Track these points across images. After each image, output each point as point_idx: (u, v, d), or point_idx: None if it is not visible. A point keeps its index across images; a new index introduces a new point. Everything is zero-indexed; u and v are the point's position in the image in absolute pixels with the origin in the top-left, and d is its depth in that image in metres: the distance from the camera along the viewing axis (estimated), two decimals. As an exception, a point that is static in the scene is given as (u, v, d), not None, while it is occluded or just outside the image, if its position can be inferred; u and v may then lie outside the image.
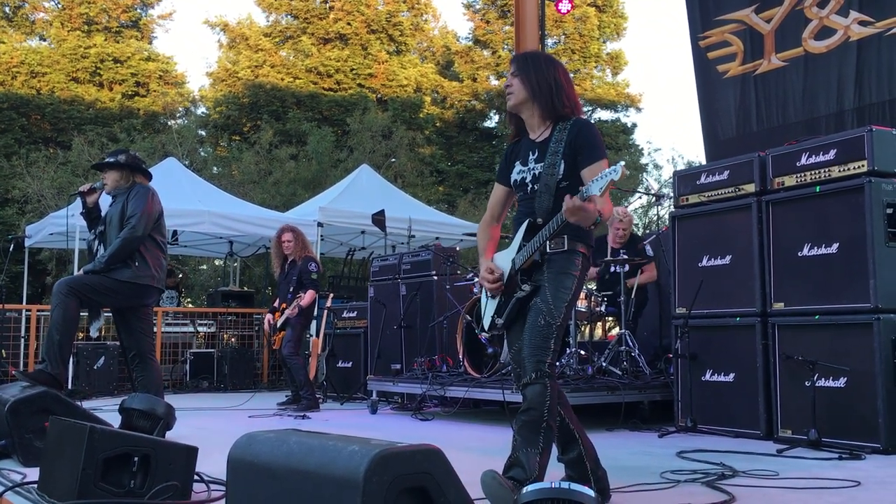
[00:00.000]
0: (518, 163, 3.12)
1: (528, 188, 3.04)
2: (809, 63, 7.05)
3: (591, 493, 2.01)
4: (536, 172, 3.01)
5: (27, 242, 11.56)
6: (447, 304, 7.29)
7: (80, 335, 9.54)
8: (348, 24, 26.53)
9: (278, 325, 7.48)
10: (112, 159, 5.15)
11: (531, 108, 3.05)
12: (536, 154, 3.05)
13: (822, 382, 4.56)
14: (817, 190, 4.76)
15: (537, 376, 2.78)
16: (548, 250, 2.90)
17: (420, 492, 1.86)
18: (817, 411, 4.47)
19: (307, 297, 7.34)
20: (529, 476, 2.63)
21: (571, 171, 2.94)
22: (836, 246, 4.64)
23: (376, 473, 1.75)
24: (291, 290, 7.42)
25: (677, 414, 5.40)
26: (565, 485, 1.99)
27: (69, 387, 8.85)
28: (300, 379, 7.29)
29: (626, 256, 6.40)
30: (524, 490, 2.02)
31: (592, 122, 3.24)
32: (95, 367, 9.08)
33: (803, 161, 4.90)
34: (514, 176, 3.11)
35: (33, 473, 3.35)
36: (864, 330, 4.42)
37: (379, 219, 8.80)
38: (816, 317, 4.67)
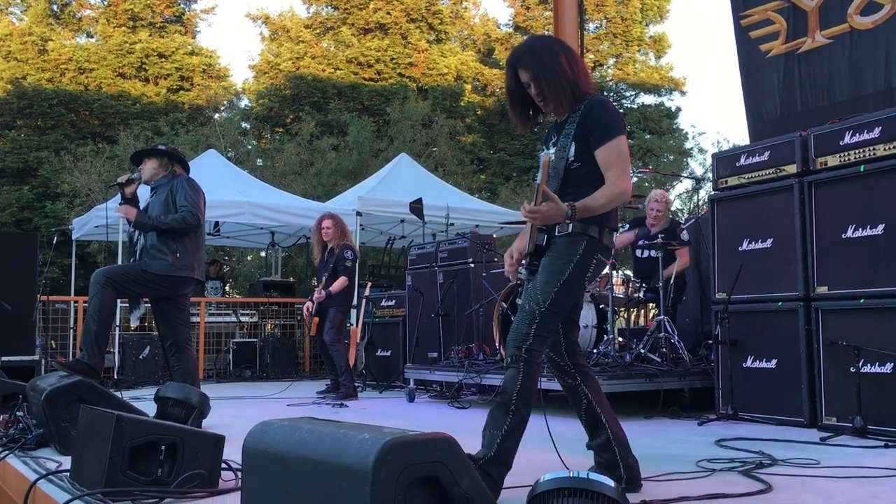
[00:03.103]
0: (550, 144, 3.13)
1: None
2: (855, 39, 6.79)
3: (611, 482, 1.94)
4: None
5: (74, 235, 11.79)
6: (484, 292, 7.24)
7: (132, 327, 9.74)
8: (388, 13, 26.57)
9: (312, 311, 7.52)
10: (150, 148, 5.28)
11: (560, 105, 2.99)
12: (555, 137, 3.05)
13: (867, 368, 4.41)
14: (861, 169, 4.59)
15: (512, 360, 2.79)
16: (555, 234, 2.87)
17: (432, 481, 1.82)
18: (863, 398, 4.32)
19: (337, 282, 7.37)
20: (486, 454, 2.69)
21: (584, 152, 2.91)
22: (881, 227, 4.47)
23: (386, 462, 1.71)
24: (326, 276, 7.45)
25: (718, 401, 5.28)
26: (583, 474, 1.93)
27: (115, 376, 9.04)
28: (341, 365, 7.30)
29: (661, 240, 6.27)
30: (541, 479, 1.96)
31: (608, 99, 3.16)
32: (140, 357, 9.27)
33: (847, 140, 4.73)
34: None
35: (69, 462, 3.40)
36: (912, 314, 4.26)
37: (416, 207, 8.77)
38: (862, 300, 4.51)
